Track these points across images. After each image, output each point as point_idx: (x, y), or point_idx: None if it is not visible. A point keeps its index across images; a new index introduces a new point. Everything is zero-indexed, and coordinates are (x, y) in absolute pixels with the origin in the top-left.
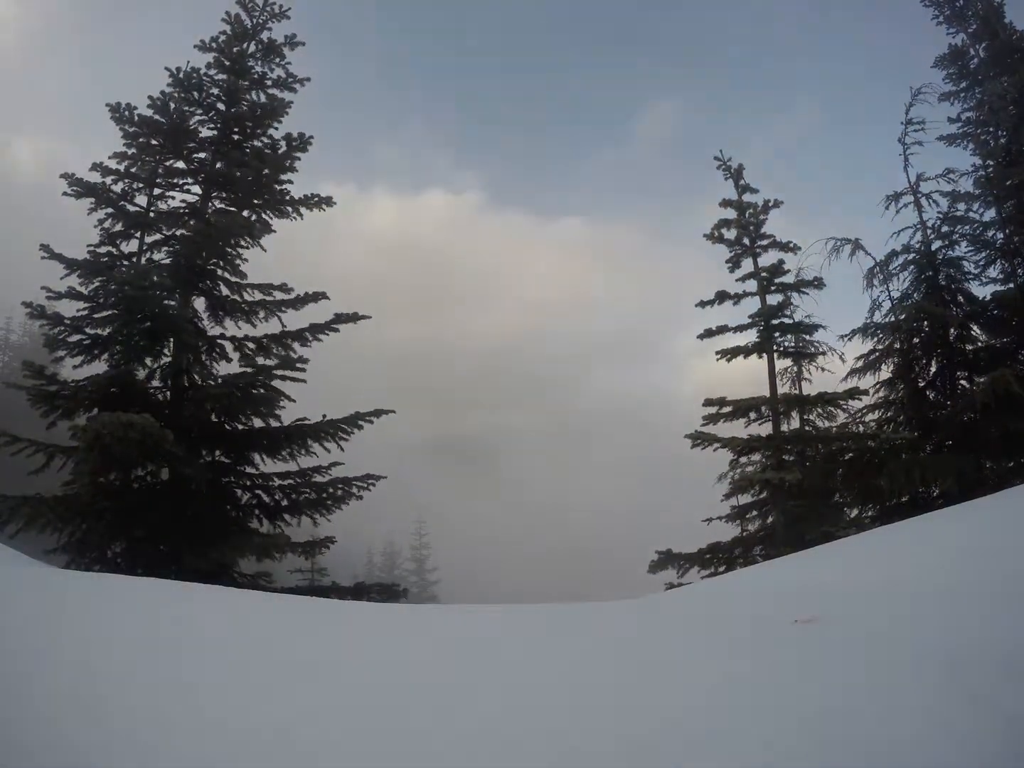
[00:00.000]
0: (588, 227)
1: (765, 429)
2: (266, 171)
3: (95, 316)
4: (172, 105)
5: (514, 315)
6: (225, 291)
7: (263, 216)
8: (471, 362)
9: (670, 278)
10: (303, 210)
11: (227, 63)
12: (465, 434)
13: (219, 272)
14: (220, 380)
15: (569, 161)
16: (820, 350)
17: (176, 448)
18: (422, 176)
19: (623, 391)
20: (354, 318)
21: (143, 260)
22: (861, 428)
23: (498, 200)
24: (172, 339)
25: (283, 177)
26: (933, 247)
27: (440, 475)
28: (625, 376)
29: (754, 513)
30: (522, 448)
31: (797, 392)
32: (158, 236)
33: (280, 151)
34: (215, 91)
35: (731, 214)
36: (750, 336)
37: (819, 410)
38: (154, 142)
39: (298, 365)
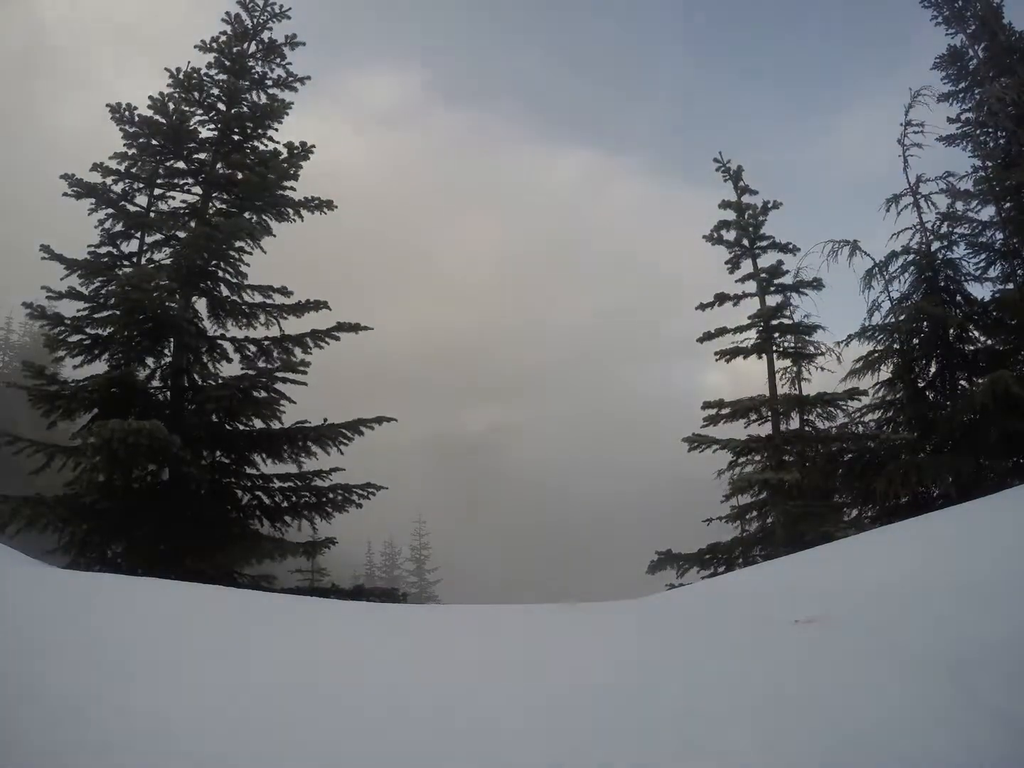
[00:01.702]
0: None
1: (764, 430)
2: (271, 176)
3: (95, 316)
4: (172, 105)
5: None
6: (226, 292)
7: (263, 218)
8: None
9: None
10: (304, 212)
11: (227, 63)
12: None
13: (220, 273)
14: (222, 381)
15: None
16: (820, 350)
17: (184, 452)
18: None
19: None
20: (355, 328)
21: (143, 260)
22: (861, 429)
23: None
24: (173, 339)
25: (284, 183)
26: (933, 248)
27: (452, 472)
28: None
29: (754, 513)
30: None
31: (797, 392)
32: (158, 236)
33: (281, 158)
34: (215, 91)
35: (730, 215)
36: (750, 336)
37: (819, 410)
38: (154, 142)
39: (300, 368)
